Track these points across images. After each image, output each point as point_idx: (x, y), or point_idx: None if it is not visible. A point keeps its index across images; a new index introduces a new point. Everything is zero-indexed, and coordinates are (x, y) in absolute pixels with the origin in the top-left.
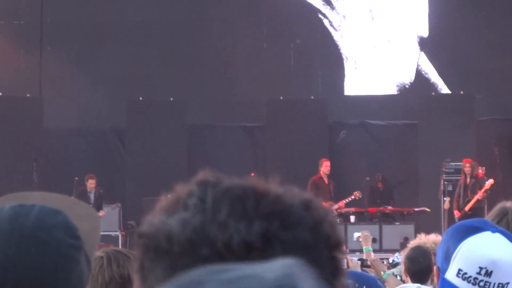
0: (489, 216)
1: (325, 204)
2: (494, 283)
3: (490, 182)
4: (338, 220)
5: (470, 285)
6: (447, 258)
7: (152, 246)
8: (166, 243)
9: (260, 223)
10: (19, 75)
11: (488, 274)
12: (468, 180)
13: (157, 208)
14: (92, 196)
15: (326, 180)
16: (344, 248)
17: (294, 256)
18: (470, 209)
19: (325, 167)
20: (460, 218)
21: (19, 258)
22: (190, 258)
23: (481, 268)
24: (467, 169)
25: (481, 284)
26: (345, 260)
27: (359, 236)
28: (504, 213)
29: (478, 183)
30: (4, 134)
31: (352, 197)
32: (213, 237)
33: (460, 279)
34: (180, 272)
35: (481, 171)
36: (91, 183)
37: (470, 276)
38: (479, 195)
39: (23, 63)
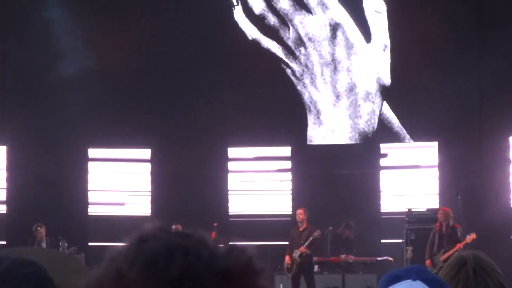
0: (446, 267)
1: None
2: None
3: (472, 236)
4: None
5: None
6: None
7: None
8: None
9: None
10: None
11: None
12: (444, 229)
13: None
14: (44, 245)
15: (301, 227)
16: None
17: None
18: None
19: (298, 215)
20: (432, 268)
21: None
22: None
23: None
24: (443, 216)
25: None
26: None
27: None
28: (462, 263)
29: (455, 234)
30: None
31: (311, 238)
32: None
33: None
34: None
35: (457, 225)
36: (40, 232)
37: None
38: (458, 246)
39: None
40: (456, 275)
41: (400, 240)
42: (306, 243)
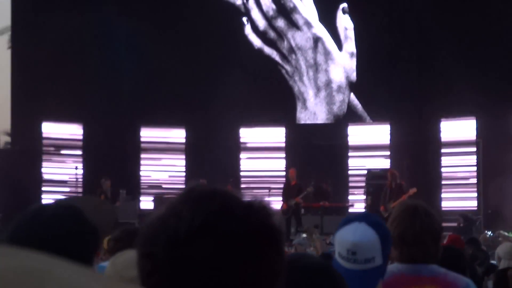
0: (400, 212)
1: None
2: (361, 259)
3: (413, 190)
4: (282, 219)
5: (345, 262)
6: (335, 243)
7: (140, 239)
8: (140, 236)
9: (203, 216)
10: None
11: (354, 253)
12: (393, 185)
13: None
14: (108, 194)
15: (292, 182)
16: (279, 243)
17: (226, 244)
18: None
19: (290, 173)
20: (384, 212)
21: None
22: (152, 246)
23: (348, 250)
24: (391, 176)
25: (352, 261)
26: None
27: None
28: (415, 209)
29: (401, 189)
30: None
31: (305, 192)
32: (168, 225)
33: (340, 259)
34: (146, 261)
35: (403, 182)
36: (106, 184)
37: (344, 256)
38: (403, 197)
39: None
40: (413, 217)
41: (362, 191)
42: (300, 195)
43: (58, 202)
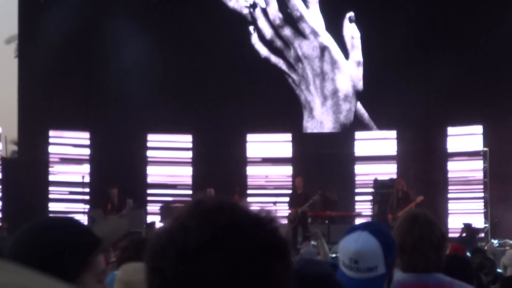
0: (402, 221)
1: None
2: (364, 268)
3: (420, 198)
4: (288, 233)
5: (348, 270)
6: (338, 252)
7: (148, 253)
8: (148, 250)
9: (211, 230)
10: None
11: (356, 261)
12: (400, 194)
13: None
14: (115, 201)
15: (299, 191)
16: (287, 257)
17: (235, 259)
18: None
19: (297, 182)
20: (392, 221)
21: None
22: (161, 260)
23: (350, 259)
24: (399, 185)
25: (354, 269)
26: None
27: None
28: (415, 217)
29: (408, 197)
30: None
31: (311, 201)
32: (176, 239)
33: (343, 267)
34: (154, 275)
35: (410, 191)
36: (113, 192)
37: (346, 265)
38: (410, 206)
39: None
40: (413, 226)
41: (369, 200)
42: (307, 204)
43: (58, 216)
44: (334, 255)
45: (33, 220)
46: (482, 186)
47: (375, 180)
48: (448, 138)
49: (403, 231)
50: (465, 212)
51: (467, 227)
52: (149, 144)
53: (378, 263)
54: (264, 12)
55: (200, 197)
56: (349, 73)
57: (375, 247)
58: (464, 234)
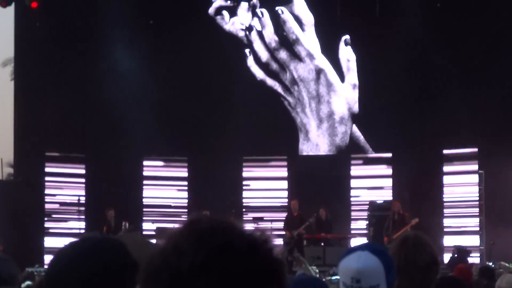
0: (394, 244)
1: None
2: (366, 286)
3: (415, 220)
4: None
5: None
6: (338, 273)
7: (142, 275)
8: (142, 272)
9: (205, 252)
10: None
11: (358, 281)
12: (396, 216)
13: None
14: (112, 223)
15: (295, 213)
16: (281, 278)
17: (229, 281)
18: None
19: (292, 204)
20: (388, 243)
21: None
22: (155, 283)
23: (352, 278)
24: (395, 208)
25: None
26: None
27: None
28: (405, 240)
29: (404, 220)
30: None
31: (307, 223)
32: (169, 261)
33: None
34: None
35: (406, 213)
36: (110, 214)
37: (348, 285)
38: (405, 228)
39: None
40: (401, 248)
41: (365, 223)
42: (303, 226)
43: (100, 235)
44: (334, 277)
45: (72, 242)
46: (477, 209)
47: (371, 203)
48: (444, 161)
49: (392, 253)
50: (460, 233)
51: (458, 249)
52: (145, 169)
53: (380, 281)
54: (260, 35)
55: (194, 218)
56: (345, 95)
57: (377, 266)
58: (456, 255)
